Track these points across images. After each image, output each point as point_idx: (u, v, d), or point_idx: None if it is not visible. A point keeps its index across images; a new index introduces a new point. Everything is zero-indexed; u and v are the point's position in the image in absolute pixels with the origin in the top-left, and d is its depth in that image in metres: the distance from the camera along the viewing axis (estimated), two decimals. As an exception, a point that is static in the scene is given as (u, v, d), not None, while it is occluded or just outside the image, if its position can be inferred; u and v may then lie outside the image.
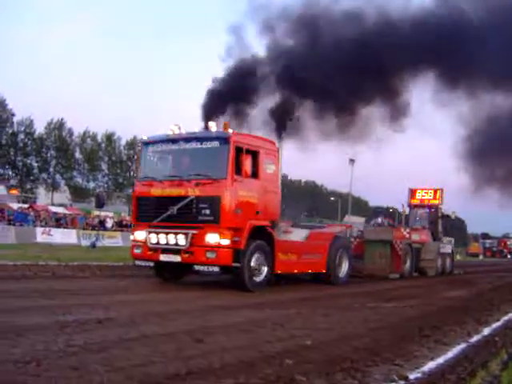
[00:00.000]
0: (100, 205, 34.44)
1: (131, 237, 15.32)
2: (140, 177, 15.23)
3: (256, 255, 13.91)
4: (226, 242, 13.29)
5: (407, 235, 23.16)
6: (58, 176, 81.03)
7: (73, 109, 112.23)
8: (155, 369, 6.04)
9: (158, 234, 13.96)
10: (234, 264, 13.37)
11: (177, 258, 13.76)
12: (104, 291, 12.58)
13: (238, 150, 13.74)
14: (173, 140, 14.57)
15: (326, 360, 6.98)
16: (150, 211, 14.30)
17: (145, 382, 5.58)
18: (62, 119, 79.93)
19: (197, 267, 13.63)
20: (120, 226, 47.49)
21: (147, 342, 7.42)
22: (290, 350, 7.42)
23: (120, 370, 5.91)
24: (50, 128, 79.06)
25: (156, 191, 14.31)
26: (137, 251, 14.56)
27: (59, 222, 43.30)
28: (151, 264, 14.48)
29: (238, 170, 13.66)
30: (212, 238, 13.33)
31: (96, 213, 48.81)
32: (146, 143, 15.28)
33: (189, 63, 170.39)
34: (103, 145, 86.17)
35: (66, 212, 49.99)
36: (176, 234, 13.67)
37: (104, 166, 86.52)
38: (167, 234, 13.81)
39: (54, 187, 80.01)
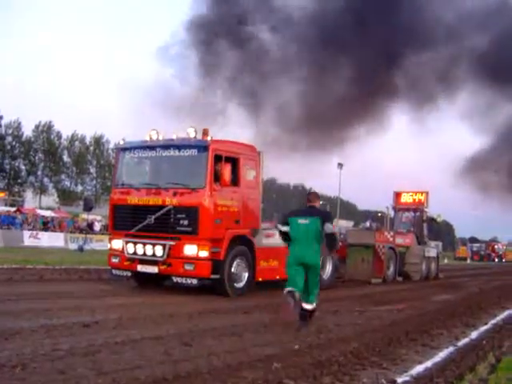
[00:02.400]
0: (88, 208, 34.30)
1: (108, 245, 15.00)
2: (117, 184, 14.86)
3: (237, 261, 13.69)
4: (204, 253, 13.00)
5: (391, 239, 23.05)
6: (45, 179, 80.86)
7: (61, 111, 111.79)
8: (142, 373, 6.01)
9: (135, 244, 13.63)
10: (213, 276, 13.07)
11: (154, 270, 13.46)
12: (91, 295, 12.52)
13: (217, 158, 13.36)
14: (150, 146, 14.15)
15: (313, 364, 6.97)
16: (127, 220, 13.95)
17: (132, 387, 5.56)
18: (50, 122, 79.74)
19: (175, 279, 13.28)
20: (108, 229, 47.19)
21: (134, 345, 7.38)
22: (278, 354, 7.41)
23: (107, 374, 5.88)
24: (38, 131, 79.04)
25: (133, 199, 13.96)
26: (114, 260, 14.26)
27: (47, 225, 43.07)
28: (129, 274, 14.18)
29: (217, 178, 13.25)
30: (190, 250, 13.05)
31: (84, 216, 48.58)
32: (123, 149, 14.85)
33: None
34: (91, 148, 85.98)
35: (54, 215, 49.74)
36: (153, 244, 13.34)
37: (92, 170, 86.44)
38: (144, 244, 13.49)
39: (41, 190, 79.82)
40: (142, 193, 13.89)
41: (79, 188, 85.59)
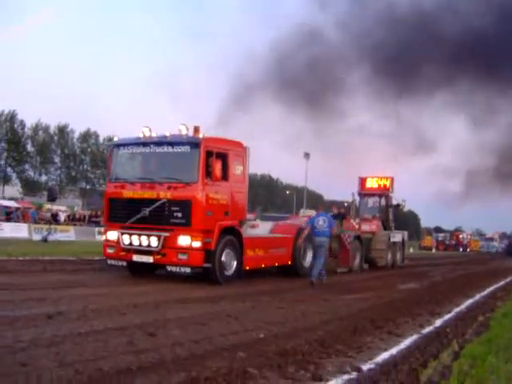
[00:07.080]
0: (52, 198, 33.92)
1: (103, 237, 15.48)
2: (112, 178, 15.32)
3: (226, 251, 14.36)
4: (197, 244, 13.66)
5: (357, 226, 23.20)
6: (9, 169, 79.44)
7: (25, 100, 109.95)
8: (106, 364, 5.94)
9: (130, 235, 14.22)
10: (205, 265, 13.74)
11: (149, 259, 14.12)
12: (55, 286, 12.35)
13: (209, 154, 14.01)
14: (144, 143, 14.71)
15: (278, 353, 6.97)
16: (122, 212, 14.54)
17: (95, 377, 5.49)
18: (13, 111, 78.20)
19: (169, 268, 13.93)
20: (73, 219, 46.75)
21: (98, 336, 7.30)
22: (243, 343, 7.42)
23: (70, 366, 5.81)
24: (1, 120, 77.38)
25: (128, 193, 14.57)
26: (110, 251, 14.85)
27: (10, 215, 42.39)
28: (124, 263, 14.71)
29: (209, 173, 13.97)
30: (184, 241, 13.71)
31: (48, 206, 48.03)
32: (117, 145, 15.41)
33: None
34: (56, 137, 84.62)
35: (17, 206, 49.05)
36: (149, 236, 13.94)
37: (57, 159, 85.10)
38: (140, 235, 14.09)
39: (5, 180, 78.49)
40: (137, 187, 14.52)
41: (43, 178, 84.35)
